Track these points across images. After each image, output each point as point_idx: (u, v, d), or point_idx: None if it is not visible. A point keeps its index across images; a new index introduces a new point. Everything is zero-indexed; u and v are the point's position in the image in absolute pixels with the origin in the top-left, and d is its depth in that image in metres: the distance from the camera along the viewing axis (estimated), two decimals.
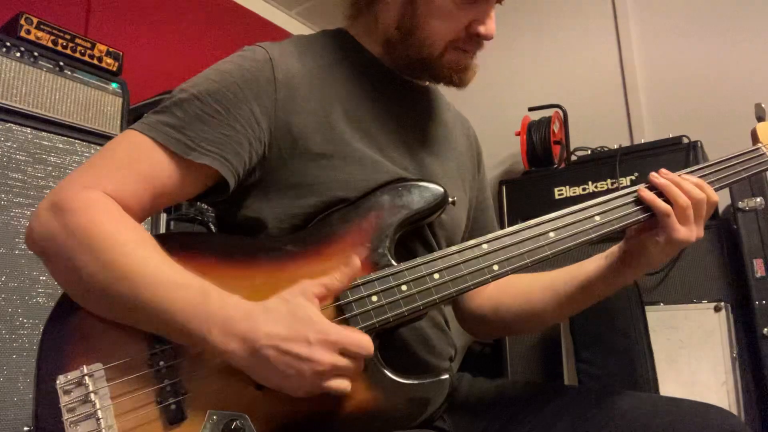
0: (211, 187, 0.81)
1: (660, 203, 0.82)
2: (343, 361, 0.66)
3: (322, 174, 0.81)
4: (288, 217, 0.81)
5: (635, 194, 0.85)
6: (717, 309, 1.61)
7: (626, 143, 2.25)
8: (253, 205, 0.83)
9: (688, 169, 0.87)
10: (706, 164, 0.89)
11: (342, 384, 0.67)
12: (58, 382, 0.67)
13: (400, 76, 0.94)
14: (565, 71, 2.63)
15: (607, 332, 1.63)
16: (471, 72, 0.90)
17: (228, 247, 0.78)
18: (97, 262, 0.67)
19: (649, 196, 0.83)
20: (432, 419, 0.74)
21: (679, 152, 1.90)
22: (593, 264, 0.91)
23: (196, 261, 0.73)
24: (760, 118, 1.00)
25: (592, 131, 2.39)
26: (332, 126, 0.84)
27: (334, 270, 0.72)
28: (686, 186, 0.83)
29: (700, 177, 0.86)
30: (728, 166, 0.90)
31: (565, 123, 2.35)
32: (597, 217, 0.83)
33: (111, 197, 0.72)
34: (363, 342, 0.68)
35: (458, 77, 0.90)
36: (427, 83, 1.00)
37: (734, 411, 1.52)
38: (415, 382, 0.74)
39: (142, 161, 0.75)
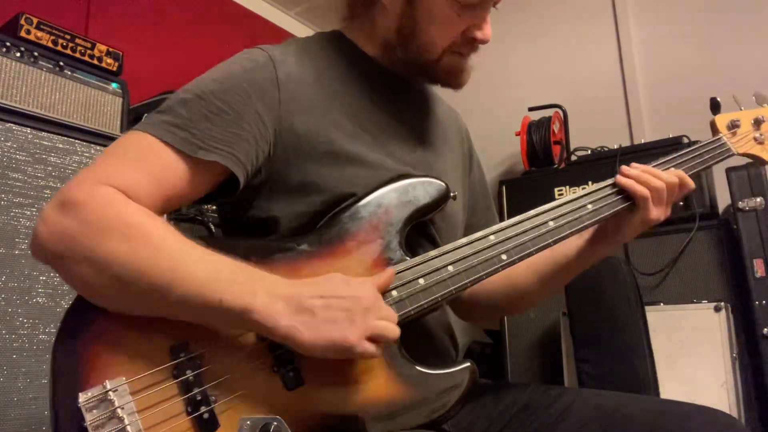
0: (221, 187, 0.81)
1: (638, 187, 0.88)
2: (383, 310, 0.70)
3: (327, 172, 0.82)
4: (296, 216, 0.82)
5: (614, 184, 0.91)
6: (717, 309, 1.61)
7: (626, 143, 2.25)
8: (261, 205, 0.83)
9: (659, 161, 0.94)
10: (675, 155, 0.96)
11: (373, 349, 0.68)
12: (80, 400, 0.64)
13: (395, 76, 0.95)
14: (565, 71, 2.63)
15: (607, 332, 1.63)
16: (466, 74, 0.92)
17: (242, 250, 0.76)
18: (128, 245, 0.66)
19: (627, 181, 0.89)
20: (451, 414, 0.75)
21: None
22: (570, 243, 0.95)
23: None
24: (715, 111, 1.08)
25: (592, 131, 2.39)
26: (334, 125, 0.85)
27: (351, 268, 0.74)
28: (656, 171, 0.89)
29: (672, 167, 0.93)
30: (695, 156, 0.98)
31: (565, 123, 2.35)
32: (589, 206, 0.88)
33: (123, 194, 0.71)
34: (393, 316, 0.71)
35: (455, 80, 0.92)
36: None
37: (734, 411, 1.52)
38: (442, 371, 0.76)
39: (150, 161, 0.74)
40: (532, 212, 0.86)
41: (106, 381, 0.65)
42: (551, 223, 0.85)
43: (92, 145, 1.58)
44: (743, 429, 0.76)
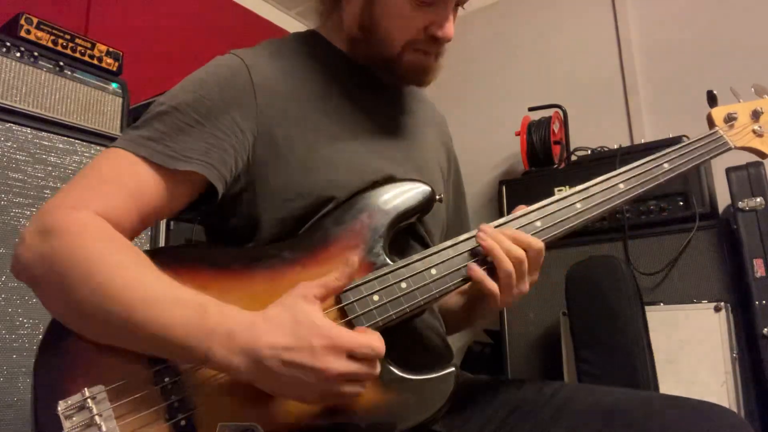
0: (200, 198, 0.80)
1: (488, 284, 0.77)
2: (352, 366, 0.64)
3: (308, 176, 0.81)
4: (278, 222, 0.81)
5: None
6: (717, 309, 1.61)
7: (626, 143, 2.25)
8: (243, 213, 0.83)
9: (648, 158, 0.91)
10: (669, 150, 0.93)
11: (353, 389, 0.66)
12: (59, 408, 0.64)
13: (370, 72, 0.94)
14: (565, 71, 2.63)
15: (607, 332, 1.63)
16: (432, 73, 0.91)
17: (224, 258, 0.76)
18: (88, 285, 0.66)
19: (478, 276, 0.77)
20: (435, 419, 0.74)
21: None
22: (453, 298, 0.97)
23: (192, 275, 0.71)
24: (712, 104, 1.04)
25: (592, 131, 2.40)
26: (313, 126, 0.84)
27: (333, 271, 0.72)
28: (507, 245, 0.77)
29: (666, 162, 0.90)
30: (689, 151, 0.94)
31: (565, 123, 2.35)
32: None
33: (100, 216, 0.70)
34: (372, 342, 0.66)
35: (417, 78, 0.91)
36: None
37: (734, 411, 1.52)
38: (424, 377, 0.74)
39: (127, 178, 0.74)
40: (518, 213, 0.83)
41: (85, 389, 0.65)
42: (539, 224, 0.82)
43: (92, 145, 1.58)
44: (743, 422, 0.75)
